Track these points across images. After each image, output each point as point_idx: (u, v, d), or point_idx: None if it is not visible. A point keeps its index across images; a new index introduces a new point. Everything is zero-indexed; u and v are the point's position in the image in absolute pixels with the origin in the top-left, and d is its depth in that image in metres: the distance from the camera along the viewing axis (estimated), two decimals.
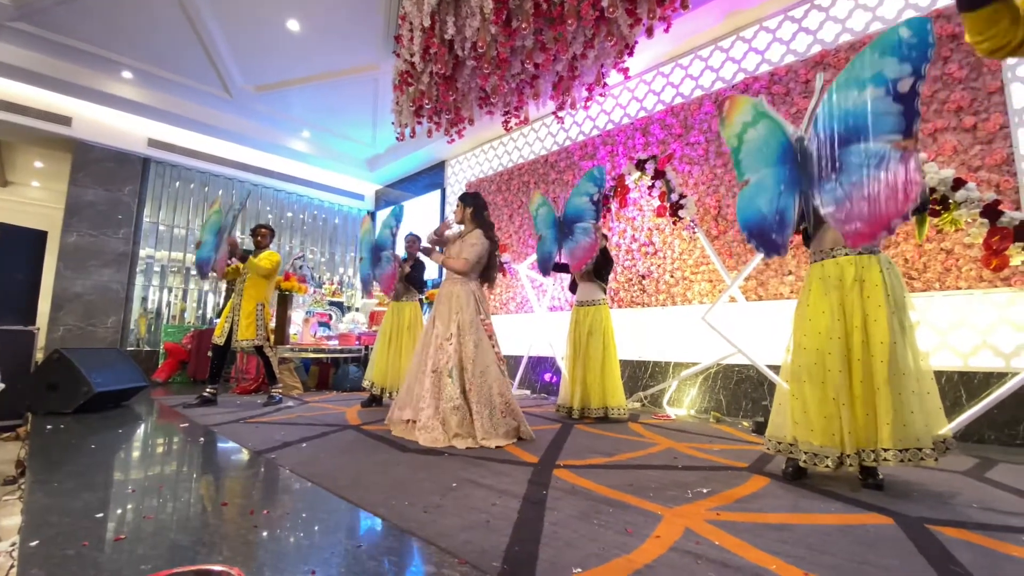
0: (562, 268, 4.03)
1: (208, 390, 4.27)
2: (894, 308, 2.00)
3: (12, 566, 1.25)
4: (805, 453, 2.05)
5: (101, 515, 1.58)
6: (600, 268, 3.94)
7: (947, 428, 2.06)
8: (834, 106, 1.99)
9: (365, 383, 4.44)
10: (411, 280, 4.54)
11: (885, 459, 1.92)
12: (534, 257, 4.41)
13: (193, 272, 7.25)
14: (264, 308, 4.28)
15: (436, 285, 7.27)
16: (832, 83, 2.01)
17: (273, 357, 4.23)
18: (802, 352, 2.12)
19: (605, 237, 4.13)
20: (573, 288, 4.12)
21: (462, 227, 3.36)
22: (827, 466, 1.98)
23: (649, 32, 3.38)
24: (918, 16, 2.33)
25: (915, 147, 1.80)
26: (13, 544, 1.38)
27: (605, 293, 4.02)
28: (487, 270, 3.26)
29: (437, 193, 7.84)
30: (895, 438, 1.91)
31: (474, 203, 3.32)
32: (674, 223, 4.61)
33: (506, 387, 2.99)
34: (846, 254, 2.10)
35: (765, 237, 2.20)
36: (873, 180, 1.87)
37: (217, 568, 0.93)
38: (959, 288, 3.23)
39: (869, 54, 1.88)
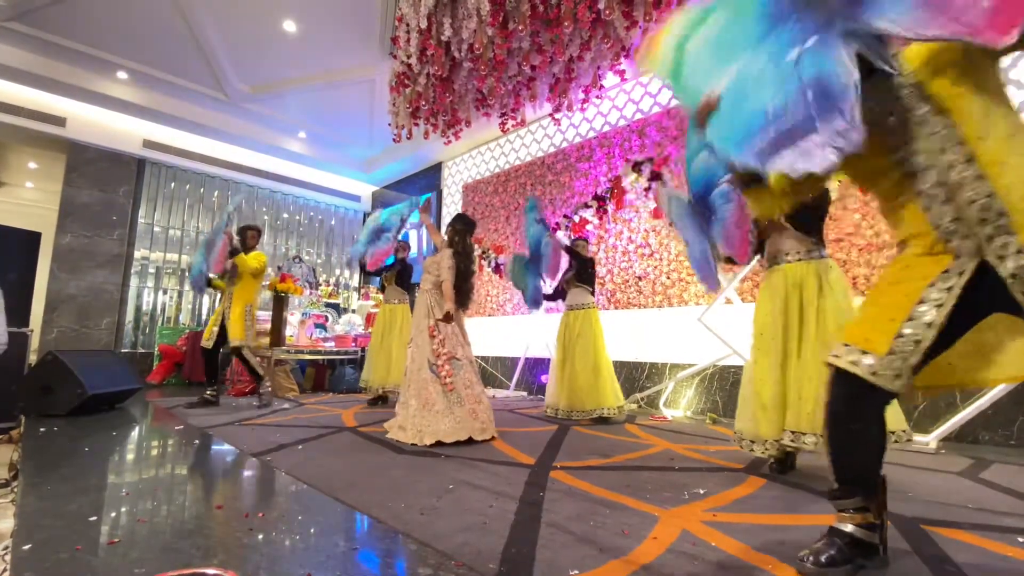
0: (552, 297, 4.21)
1: (208, 392, 4.29)
2: (832, 308, 2.12)
3: (5, 570, 1.24)
4: (743, 441, 2.28)
5: (95, 518, 1.56)
6: (580, 272, 4.05)
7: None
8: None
9: (361, 384, 4.64)
10: (399, 282, 4.72)
11: (804, 442, 2.06)
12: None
13: (187, 273, 7.21)
14: (251, 310, 4.27)
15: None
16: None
17: (251, 358, 4.21)
18: (753, 356, 2.31)
19: (584, 241, 4.25)
20: (555, 296, 4.22)
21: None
22: (763, 451, 2.19)
23: (645, 34, 3.39)
24: None
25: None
26: (6, 548, 1.37)
27: (593, 296, 4.08)
28: (460, 293, 3.27)
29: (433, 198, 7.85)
30: (817, 424, 2.03)
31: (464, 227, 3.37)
32: (670, 224, 4.62)
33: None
34: (788, 262, 2.26)
35: (706, 279, 2.27)
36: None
37: (212, 572, 0.92)
38: None
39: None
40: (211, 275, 4.21)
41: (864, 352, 1.18)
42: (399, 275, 4.74)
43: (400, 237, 4.61)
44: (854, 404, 1.23)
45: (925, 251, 1.20)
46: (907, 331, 1.15)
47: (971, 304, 1.14)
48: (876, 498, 1.28)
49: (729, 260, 2.39)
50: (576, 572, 1.22)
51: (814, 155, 1.07)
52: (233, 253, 4.20)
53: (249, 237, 4.40)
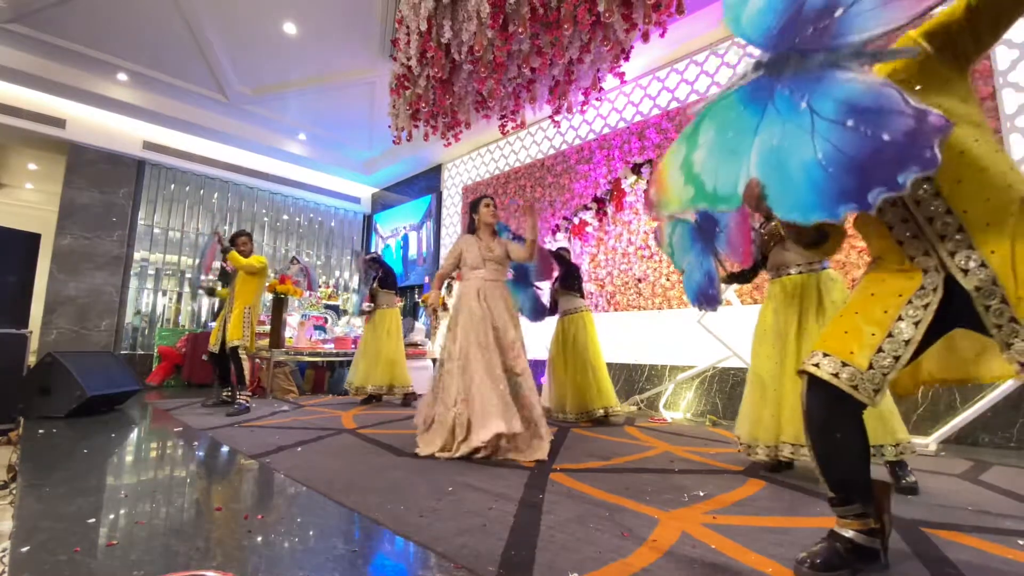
0: (552, 310, 4.19)
1: (225, 394, 4.40)
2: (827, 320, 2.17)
3: (3, 572, 1.24)
4: (742, 443, 2.36)
5: (93, 520, 1.56)
6: (565, 279, 4.09)
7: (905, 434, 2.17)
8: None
9: (346, 386, 4.84)
10: (386, 284, 4.94)
11: (803, 453, 2.08)
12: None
13: (188, 275, 7.21)
14: (252, 311, 4.27)
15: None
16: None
17: (246, 363, 4.20)
18: (753, 363, 2.39)
19: (566, 251, 4.27)
20: (554, 310, 4.21)
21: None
22: (763, 456, 2.27)
23: (645, 37, 3.40)
24: None
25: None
26: (4, 550, 1.37)
27: (583, 298, 4.11)
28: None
29: (425, 209, 7.85)
30: None
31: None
32: (670, 255, 4.63)
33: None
34: (788, 274, 2.33)
35: (708, 298, 2.36)
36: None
37: (211, 574, 0.92)
38: None
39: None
40: (204, 277, 4.23)
41: (845, 364, 1.20)
42: (383, 281, 4.97)
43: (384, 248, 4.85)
44: (832, 412, 1.25)
45: (897, 267, 1.24)
46: (887, 347, 1.19)
47: (941, 318, 1.17)
48: (874, 503, 1.28)
49: (732, 279, 2.52)
50: (576, 574, 1.22)
51: (904, 161, 0.96)
52: (224, 252, 4.21)
53: (240, 243, 4.38)
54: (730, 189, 1.23)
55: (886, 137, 0.98)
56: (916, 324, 1.17)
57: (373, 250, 4.94)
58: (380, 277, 4.96)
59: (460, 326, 2.79)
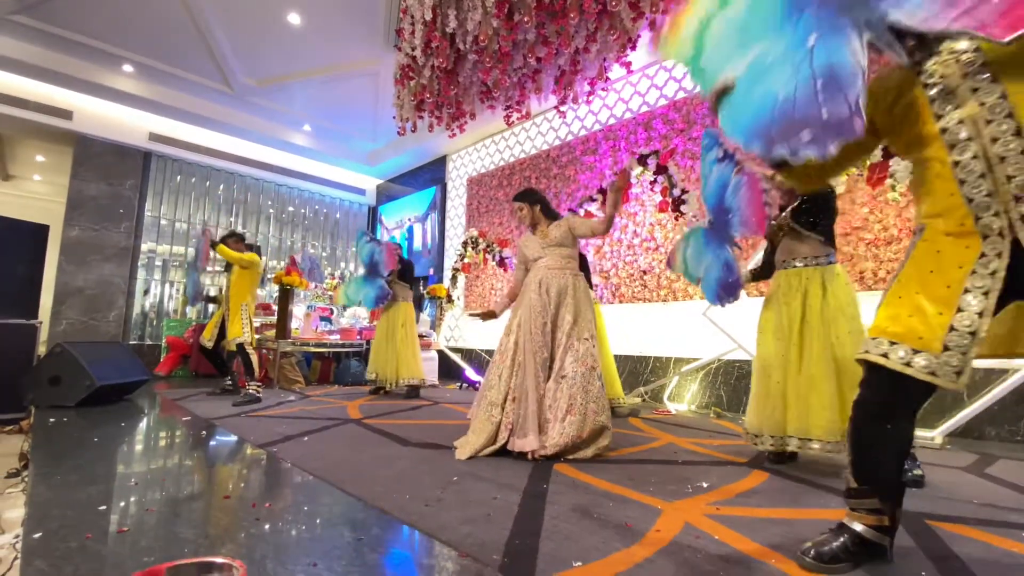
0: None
1: (226, 383, 4.52)
2: (843, 319, 2.16)
3: (16, 558, 1.26)
4: (748, 434, 2.35)
5: (104, 507, 1.59)
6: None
7: None
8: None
9: (369, 375, 4.86)
10: (403, 278, 4.96)
11: (811, 447, 2.12)
12: None
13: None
14: (248, 307, 4.29)
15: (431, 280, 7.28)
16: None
17: (253, 356, 4.23)
18: (758, 353, 2.40)
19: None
20: None
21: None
22: (768, 446, 2.25)
23: (652, 25, 3.36)
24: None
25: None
26: (17, 536, 1.39)
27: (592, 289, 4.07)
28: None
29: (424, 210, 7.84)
30: (825, 429, 2.08)
31: (538, 200, 2.88)
32: (676, 218, 4.60)
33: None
34: (795, 266, 2.32)
35: (729, 288, 2.31)
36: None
37: (220, 560, 0.94)
38: None
39: None
40: (207, 270, 4.26)
41: (916, 351, 1.12)
42: (401, 274, 4.97)
43: (390, 239, 4.82)
44: (891, 402, 1.19)
45: (953, 229, 1.15)
46: (959, 324, 1.10)
47: (1005, 288, 1.10)
48: (894, 503, 1.25)
49: (755, 278, 2.56)
50: (579, 563, 1.23)
51: (816, 142, 1.10)
52: (213, 246, 4.26)
53: (231, 245, 4.39)
54: (713, 72, 1.30)
55: (824, 114, 1.08)
56: (985, 294, 1.09)
57: (395, 241, 4.95)
58: (399, 270, 4.97)
59: (517, 320, 2.61)
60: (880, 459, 1.24)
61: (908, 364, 1.13)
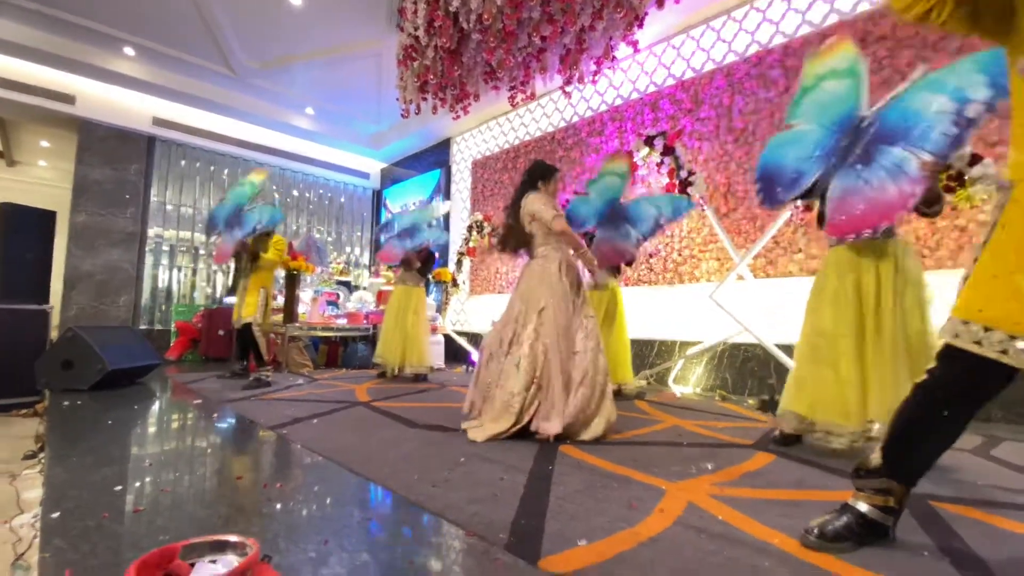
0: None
1: (239, 367, 4.48)
2: (911, 290, 2.03)
3: (35, 536, 1.30)
4: (789, 417, 2.21)
5: (119, 488, 1.62)
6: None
7: None
8: (907, 102, 1.85)
9: (377, 359, 4.83)
10: (422, 270, 4.96)
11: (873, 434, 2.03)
12: None
13: (202, 252, 7.29)
14: (267, 292, 4.31)
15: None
16: (922, 78, 1.83)
17: (261, 339, 4.24)
18: (818, 335, 2.16)
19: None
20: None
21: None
22: (841, 443, 2.12)
23: (659, 3, 3.29)
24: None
25: (935, 172, 1.82)
26: (36, 516, 1.43)
27: (619, 275, 4.04)
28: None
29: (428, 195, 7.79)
30: None
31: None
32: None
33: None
34: (860, 239, 2.10)
35: (771, 186, 2.16)
36: (881, 184, 1.85)
37: (234, 538, 0.96)
38: None
39: (967, 64, 1.68)
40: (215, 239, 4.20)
41: (1014, 337, 1.00)
42: (424, 263, 4.93)
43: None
44: (965, 392, 1.10)
45: None
46: None
47: None
48: (907, 489, 1.23)
49: (922, 213, 2.14)
50: (584, 542, 1.25)
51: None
52: (239, 253, 4.23)
53: (262, 244, 4.34)
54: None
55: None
56: None
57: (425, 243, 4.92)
58: (425, 257, 4.95)
59: (539, 307, 2.54)
60: (922, 447, 1.19)
61: (1004, 352, 1.01)
